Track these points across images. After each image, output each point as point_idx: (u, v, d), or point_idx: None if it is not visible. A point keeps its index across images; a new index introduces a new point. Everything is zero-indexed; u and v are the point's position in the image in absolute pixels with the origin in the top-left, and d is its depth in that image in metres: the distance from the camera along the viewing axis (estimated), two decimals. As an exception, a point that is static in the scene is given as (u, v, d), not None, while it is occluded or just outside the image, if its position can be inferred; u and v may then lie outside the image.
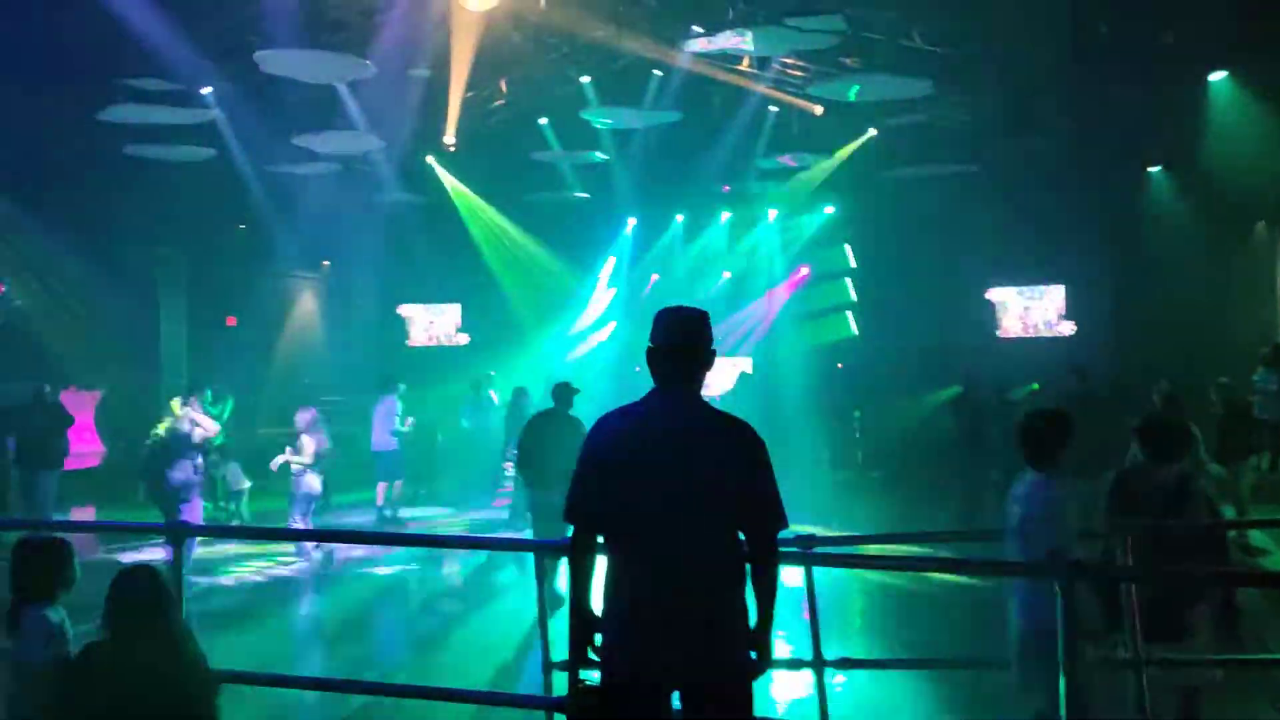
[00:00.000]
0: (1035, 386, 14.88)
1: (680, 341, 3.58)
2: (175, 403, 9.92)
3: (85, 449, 15.07)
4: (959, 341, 17.18)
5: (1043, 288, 18.62)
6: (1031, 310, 18.78)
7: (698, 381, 3.59)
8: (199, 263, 18.15)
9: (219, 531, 9.66)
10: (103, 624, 3.84)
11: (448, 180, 18.54)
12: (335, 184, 16.91)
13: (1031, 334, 18.60)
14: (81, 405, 14.80)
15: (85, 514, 13.12)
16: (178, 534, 4.65)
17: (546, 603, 5.00)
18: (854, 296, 19.73)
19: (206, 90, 13.17)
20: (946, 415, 13.16)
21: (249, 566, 10.67)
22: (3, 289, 16.34)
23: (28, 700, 3.79)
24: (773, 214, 19.81)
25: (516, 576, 9.68)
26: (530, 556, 5.23)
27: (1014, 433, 4.66)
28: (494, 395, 14.95)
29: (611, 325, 20.65)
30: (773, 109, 15.83)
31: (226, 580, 10.10)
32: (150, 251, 17.50)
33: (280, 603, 9.62)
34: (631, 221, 20.28)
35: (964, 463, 12.28)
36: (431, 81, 13.89)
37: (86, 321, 16.29)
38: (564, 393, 8.83)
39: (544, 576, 5.02)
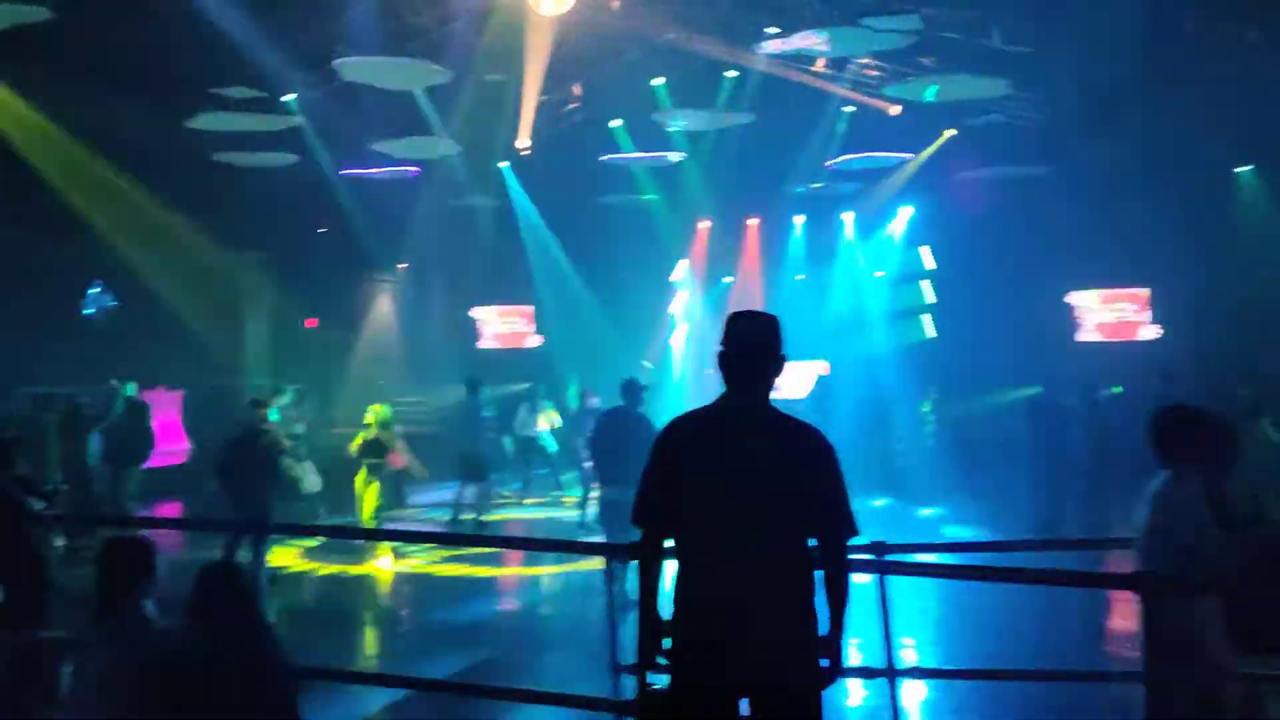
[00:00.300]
0: (1118, 390, 14.50)
1: (751, 346, 3.57)
2: (275, 402, 10.13)
3: (171, 446, 15.50)
4: (1037, 345, 16.83)
5: (1125, 291, 18.16)
6: (1112, 313, 18.33)
7: (768, 386, 3.58)
8: (281, 265, 18.58)
9: (298, 530, 9.86)
10: (186, 617, 3.95)
11: (516, 186, 18.73)
12: (411, 188, 17.19)
13: (1112, 338, 18.15)
14: (168, 404, 15.23)
15: (170, 510, 13.48)
16: (259, 531, 4.76)
17: (616, 605, 5.02)
18: (932, 299, 19.46)
19: (289, 97, 13.48)
20: (1021, 420, 12.81)
21: (320, 564, 10.89)
22: (98, 289, 16.93)
23: (119, 692, 3.90)
24: (848, 216, 19.63)
25: (587, 578, 9.68)
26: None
27: (1148, 429, 4.39)
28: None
29: (684, 328, 20.65)
30: (848, 109, 15.70)
31: (300, 577, 10.31)
32: (235, 254, 17.96)
33: (349, 600, 9.76)
34: (704, 224, 20.26)
35: (1043, 470, 11.93)
36: (506, 86, 14.04)
37: (174, 322, 16.78)
38: (633, 390, 8.81)
39: (612, 578, 5.04)
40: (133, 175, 14.03)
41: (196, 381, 17.17)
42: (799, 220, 19.91)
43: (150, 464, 12.39)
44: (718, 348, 3.62)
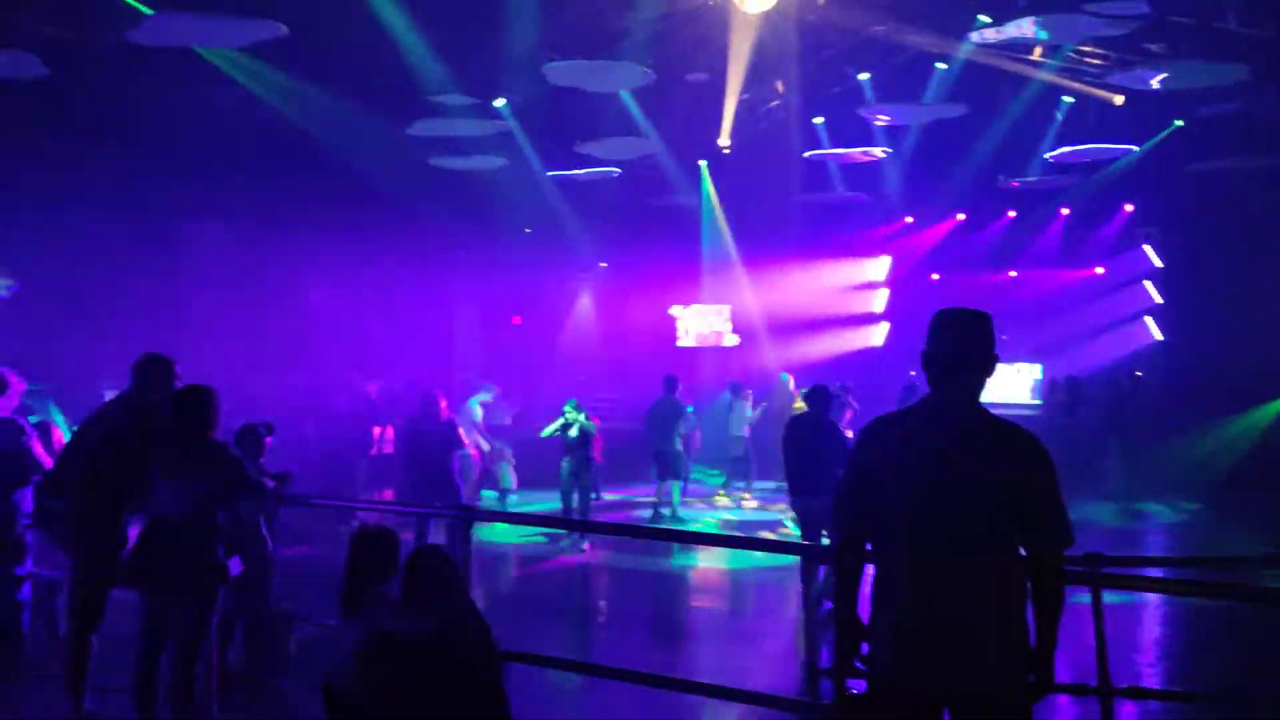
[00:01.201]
0: None
1: (957, 345, 3.42)
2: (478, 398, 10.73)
3: (389, 435, 16.38)
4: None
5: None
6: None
7: (977, 387, 3.42)
8: (490, 263, 19.32)
9: (504, 517, 10.26)
10: (401, 600, 4.16)
11: (709, 189, 18.77)
12: (613, 188, 17.52)
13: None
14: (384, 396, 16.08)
15: (384, 496, 14.25)
16: (466, 518, 4.97)
17: (812, 608, 4.98)
18: (1157, 299, 18.30)
19: (500, 102, 13.98)
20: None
21: (519, 551, 11.24)
22: (317, 293, 18.09)
23: (363, 672, 4.10)
24: (1064, 211, 18.69)
25: (780, 577, 9.58)
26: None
27: None
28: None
29: (885, 327, 20.21)
30: (1067, 99, 14.94)
31: (499, 564, 10.69)
32: (447, 252, 18.81)
33: (544, 587, 10.04)
34: (907, 220, 19.74)
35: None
36: (708, 86, 14.10)
37: (392, 318, 17.73)
38: (822, 397, 8.71)
39: (810, 581, 4.99)
40: (359, 178, 14.87)
41: (412, 375, 18.07)
42: (1010, 215, 19.11)
43: (381, 450, 13.19)
44: (922, 348, 3.49)
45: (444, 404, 10.07)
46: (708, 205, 19.17)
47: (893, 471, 3.39)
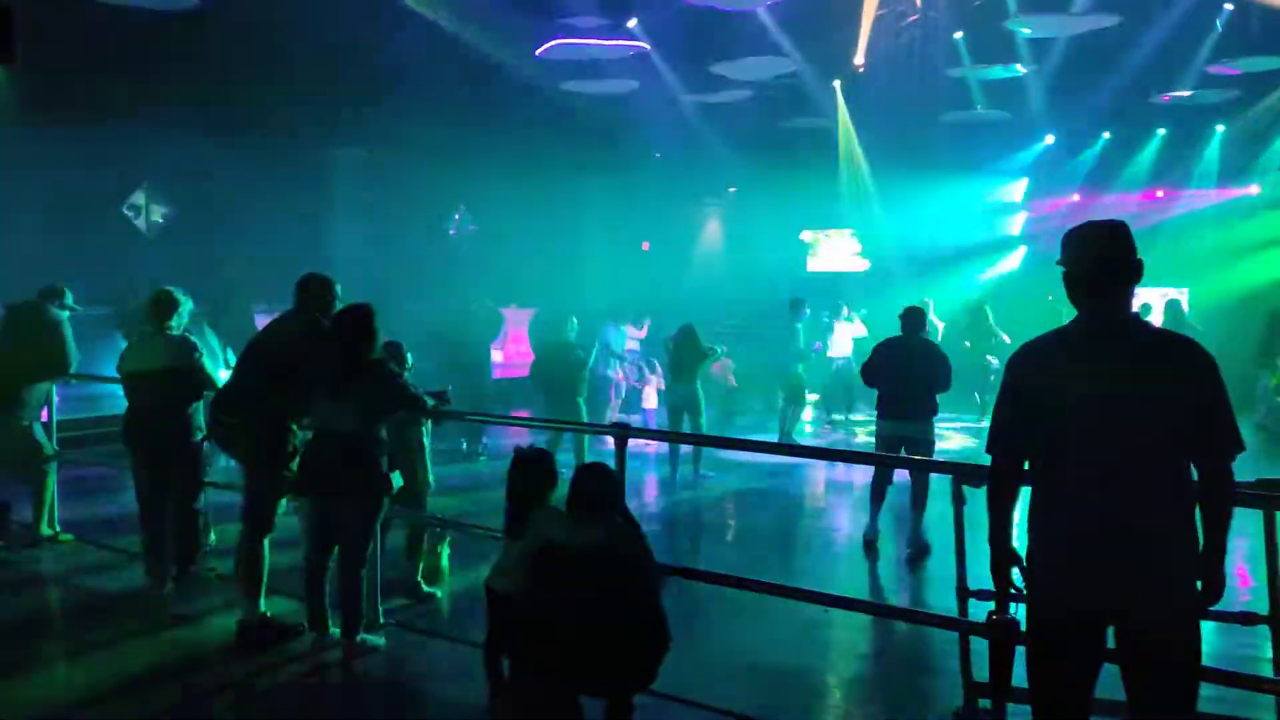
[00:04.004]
0: None
1: (1103, 256, 3.34)
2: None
3: (521, 360, 16.74)
4: None
5: None
6: None
7: (1129, 297, 3.35)
8: (619, 189, 19.34)
9: (660, 436, 10.45)
10: (569, 509, 4.31)
11: (844, 108, 18.27)
12: (743, 111, 17.26)
13: None
14: (521, 321, 16.41)
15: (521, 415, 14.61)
16: (623, 435, 5.07)
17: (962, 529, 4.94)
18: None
19: (632, 23, 13.86)
20: None
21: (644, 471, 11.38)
22: (458, 215, 18.46)
23: (530, 575, 4.28)
24: (1219, 129, 17.66)
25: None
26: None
27: None
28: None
29: (1022, 250, 19.58)
30: (1228, 5, 14.00)
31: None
32: (577, 179, 18.90)
33: (672, 505, 10.15)
34: (1049, 139, 18.96)
35: None
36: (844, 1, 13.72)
37: (524, 244, 17.98)
38: (914, 318, 8.31)
39: (961, 502, 4.94)
40: (490, 104, 15.00)
41: (543, 300, 18.38)
42: (1160, 133, 18.16)
43: (504, 374, 13.46)
44: (1061, 268, 3.41)
45: (573, 326, 10.67)
46: (842, 127, 18.73)
47: (1061, 391, 3.33)
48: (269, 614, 5.74)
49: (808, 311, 13.38)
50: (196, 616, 6.14)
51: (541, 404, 10.90)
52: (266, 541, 5.76)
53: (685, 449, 10.98)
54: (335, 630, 5.52)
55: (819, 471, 11.59)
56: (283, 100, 13.82)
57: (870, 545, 8.23)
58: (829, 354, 15.04)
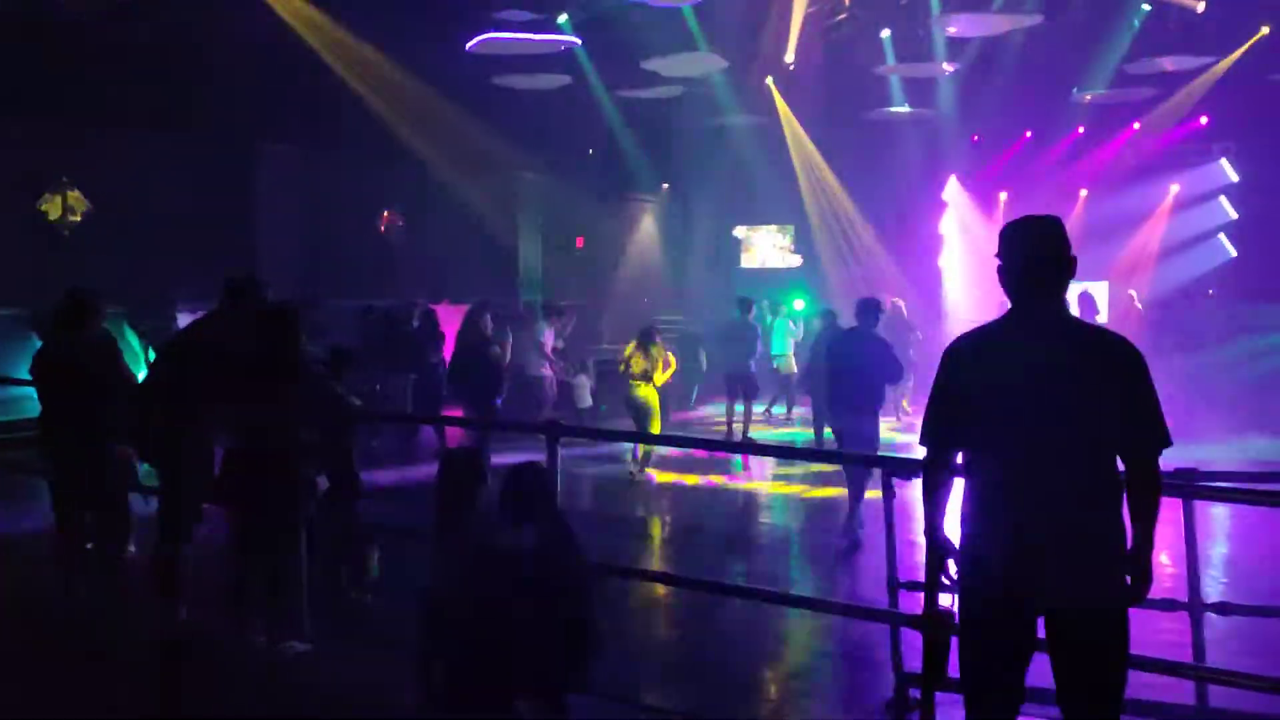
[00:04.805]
0: None
1: (1035, 251, 3.38)
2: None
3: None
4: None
5: None
6: None
7: (1060, 292, 3.39)
8: (553, 186, 19.23)
9: (590, 434, 10.43)
10: (498, 513, 4.24)
11: (781, 103, 18.37)
12: (676, 108, 17.29)
13: None
14: (453, 318, 16.21)
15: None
16: (553, 433, 5.02)
17: (891, 525, 4.98)
18: (1233, 215, 17.76)
19: (563, 18, 13.77)
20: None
21: (584, 470, 11.38)
22: (388, 212, 18.18)
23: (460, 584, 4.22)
24: (1139, 125, 18.09)
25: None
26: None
27: None
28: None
29: (954, 247, 19.87)
30: (1146, 6, 14.36)
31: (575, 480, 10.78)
32: (511, 175, 18.74)
33: (612, 503, 10.16)
34: (975, 137, 19.26)
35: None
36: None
37: (457, 241, 17.78)
38: (869, 311, 8.36)
39: (890, 496, 4.98)
40: (421, 94, 14.82)
41: (477, 297, 18.19)
42: (1080, 130, 18.54)
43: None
44: (997, 262, 3.44)
45: (488, 323, 10.52)
46: (785, 123, 18.82)
47: (989, 385, 3.36)
48: (191, 621, 5.58)
49: (758, 311, 13.52)
50: (116, 624, 5.96)
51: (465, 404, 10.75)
52: (185, 547, 5.59)
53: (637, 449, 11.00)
54: (260, 638, 5.39)
55: (767, 470, 11.64)
56: (207, 94, 13.49)
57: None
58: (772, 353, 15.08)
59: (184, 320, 8.06)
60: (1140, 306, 15.44)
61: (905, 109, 17.40)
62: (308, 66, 13.48)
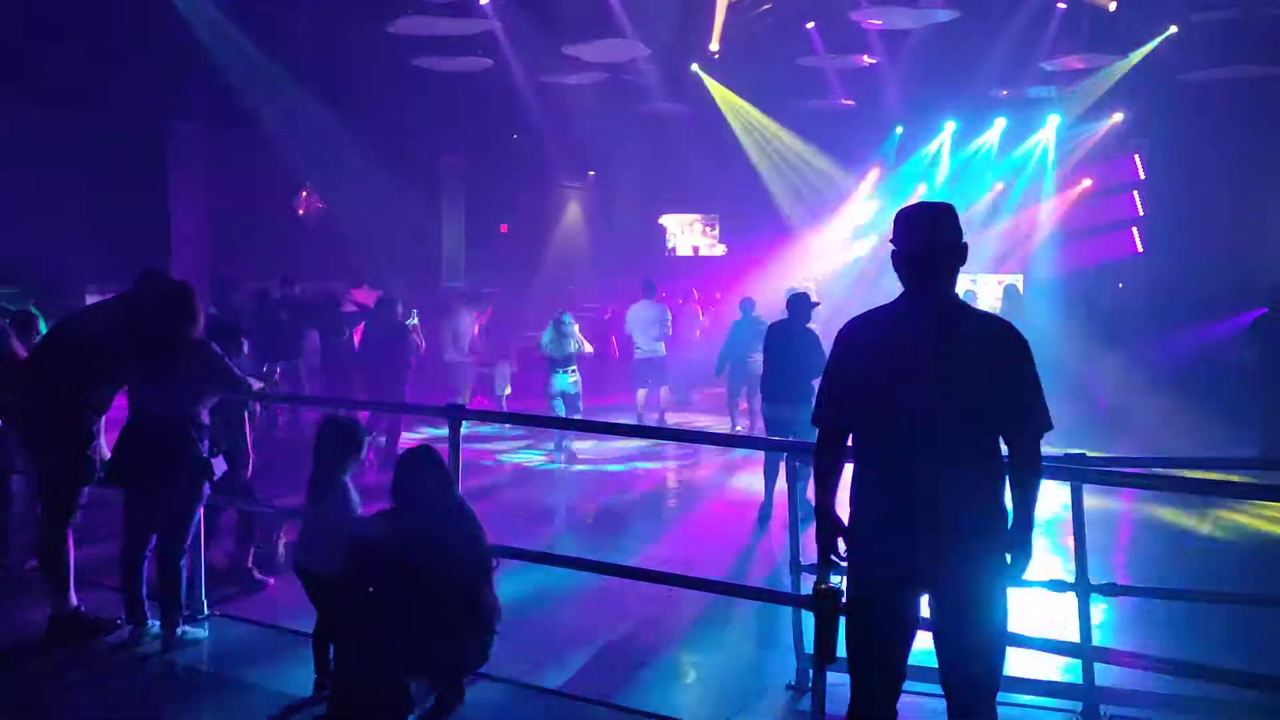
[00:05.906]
0: None
1: (927, 237, 3.42)
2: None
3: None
4: (1262, 261, 15.53)
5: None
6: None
7: (951, 279, 3.45)
8: (476, 171, 19.04)
9: (494, 417, 10.42)
10: (390, 495, 4.20)
11: (714, 88, 18.35)
12: (601, 94, 17.19)
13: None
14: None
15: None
16: (455, 416, 4.97)
17: (798, 507, 5.03)
18: (1141, 211, 18.24)
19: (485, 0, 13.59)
20: (1243, 342, 11.90)
21: (506, 457, 11.38)
22: (305, 193, 17.83)
23: (334, 555, 4.21)
24: (1053, 121, 18.49)
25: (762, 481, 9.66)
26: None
27: None
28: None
29: (873, 238, 20.12)
30: (1060, 5, 14.64)
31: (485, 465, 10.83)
32: (433, 159, 18.50)
33: (531, 489, 10.18)
34: (899, 129, 19.52)
35: (1265, 394, 11.14)
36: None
37: (377, 224, 17.51)
38: (800, 304, 8.65)
39: (795, 479, 5.03)
40: (339, 81, 14.53)
41: (397, 282, 17.96)
42: (999, 124, 18.90)
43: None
44: (890, 248, 3.49)
45: (399, 309, 10.60)
46: (702, 111, 18.83)
47: (877, 368, 3.42)
48: (81, 607, 5.42)
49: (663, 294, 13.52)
50: (2, 612, 5.76)
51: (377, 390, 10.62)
52: (70, 529, 5.40)
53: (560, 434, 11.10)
54: (154, 622, 5.27)
55: (681, 454, 11.72)
56: (113, 67, 13.05)
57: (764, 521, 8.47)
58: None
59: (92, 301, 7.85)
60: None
61: (831, 99, 17.52)
62: (219, 42, 13.11)
